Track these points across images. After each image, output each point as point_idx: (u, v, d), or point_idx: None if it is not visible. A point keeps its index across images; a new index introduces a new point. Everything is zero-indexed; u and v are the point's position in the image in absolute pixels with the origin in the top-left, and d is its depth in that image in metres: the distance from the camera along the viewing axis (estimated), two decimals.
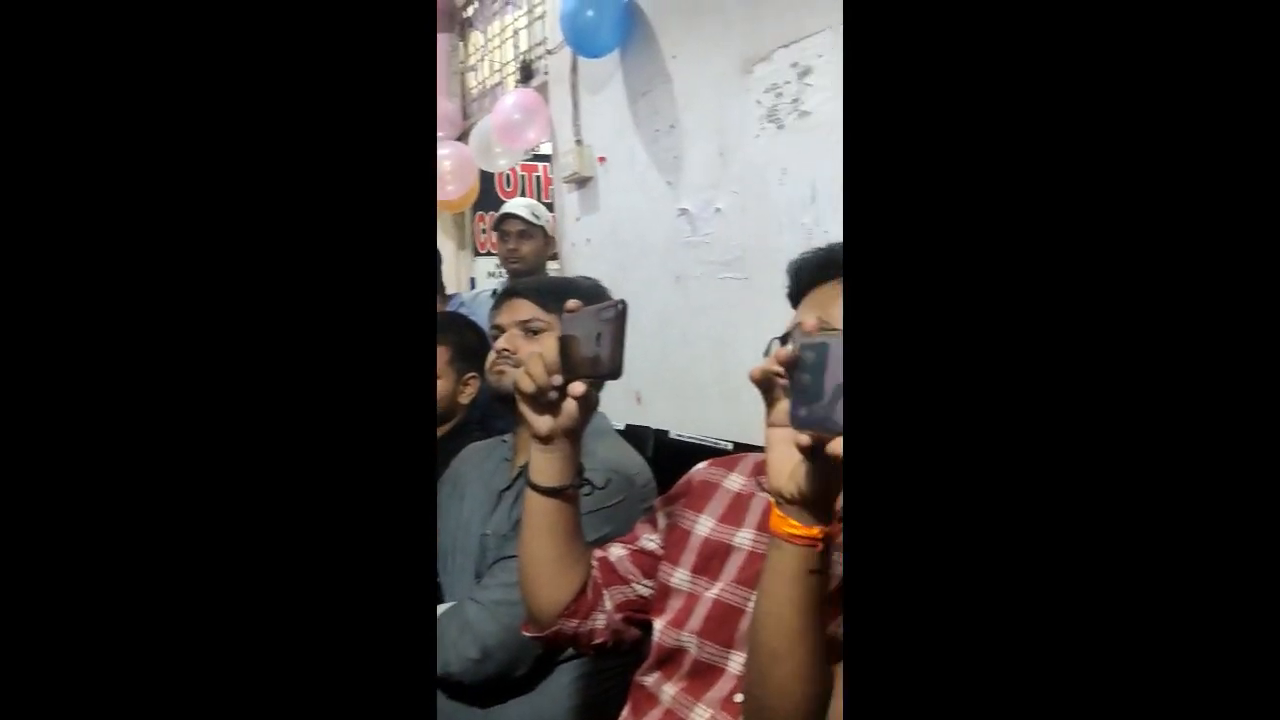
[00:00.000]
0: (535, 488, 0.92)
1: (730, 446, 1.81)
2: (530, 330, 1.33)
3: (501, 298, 1.41)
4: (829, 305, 0.84)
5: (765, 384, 0.69)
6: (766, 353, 0.71)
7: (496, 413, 1.79)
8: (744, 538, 0.93)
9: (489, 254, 3.37)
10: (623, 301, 0.81)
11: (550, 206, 2.82)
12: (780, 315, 0.88)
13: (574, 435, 0.91)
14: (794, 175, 1.70)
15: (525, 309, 1.34)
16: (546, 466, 0.92)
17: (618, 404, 2.28)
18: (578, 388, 0.85)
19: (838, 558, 0.87)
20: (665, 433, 2.10)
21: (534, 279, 1.85)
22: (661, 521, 1.03)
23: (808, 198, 1.68)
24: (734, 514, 0.96)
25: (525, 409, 0.89)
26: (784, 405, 0.69)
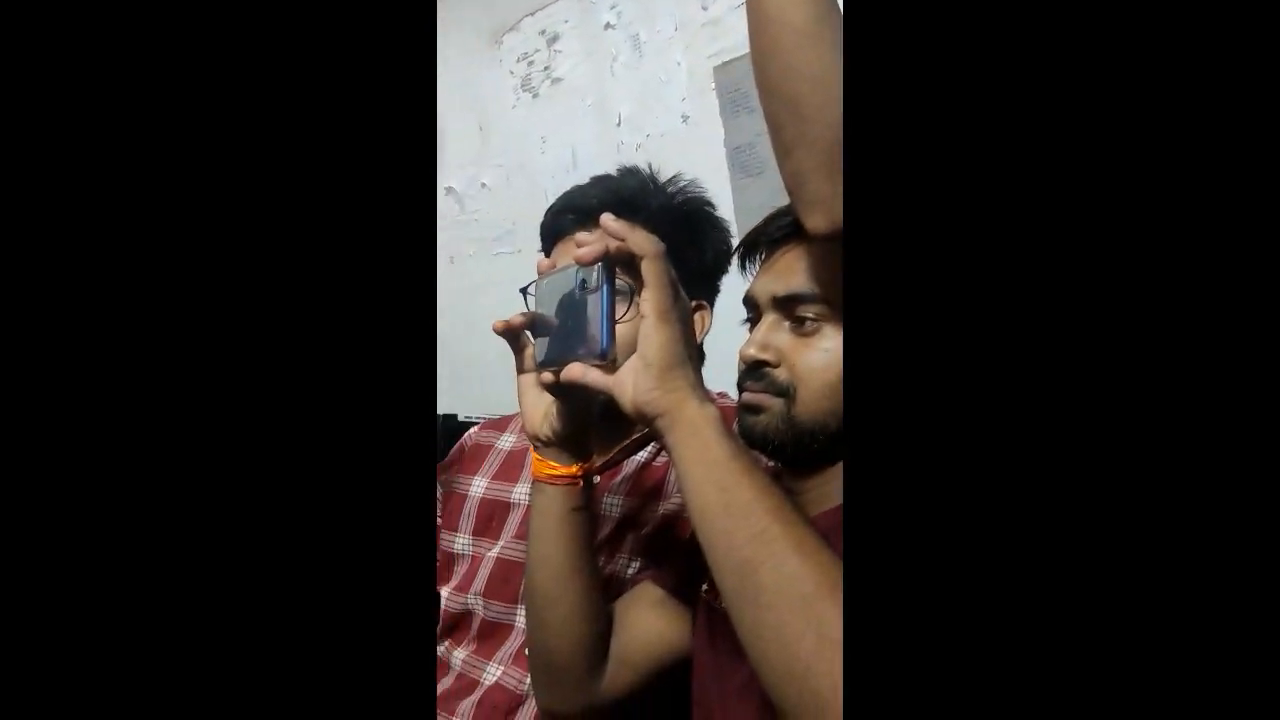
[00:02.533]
0: None
1: None
2: None
3: None
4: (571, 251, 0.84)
5: (508, 334, 0.68)
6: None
7: None
8: (520, 493, 0.93)
9: None
10: None
11: None
12: None
13: None
14: (553, 142, 1.71)
15: None
16: None
17: None
18: None
19: (611, 501, 0.89)
20: (454, 416, 2.06)
21: None
22: (438, 491, 1.01)
23: (569, 163, 1.69)
24: (508, 471, 0.96)
25: None
26: (530, 351, 0.69)
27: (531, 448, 0.71)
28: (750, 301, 0.71)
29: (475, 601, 0.90)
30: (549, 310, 0.65)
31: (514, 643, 0.88)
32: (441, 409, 2.15)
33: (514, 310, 0.69)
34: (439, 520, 0.99)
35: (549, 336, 0.65)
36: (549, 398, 0.67)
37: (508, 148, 1.81)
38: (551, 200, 0.93)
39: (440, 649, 0.93)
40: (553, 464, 0.69)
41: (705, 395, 0.57)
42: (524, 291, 0.71)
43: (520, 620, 0.87)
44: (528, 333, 0.68)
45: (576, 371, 0.59)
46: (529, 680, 0.83)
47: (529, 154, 1.76)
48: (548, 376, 0.64)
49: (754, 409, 0.67)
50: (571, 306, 0.61)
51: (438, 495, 1.01)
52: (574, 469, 0.69)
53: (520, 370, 0.70)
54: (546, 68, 1.70)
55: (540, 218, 0.93)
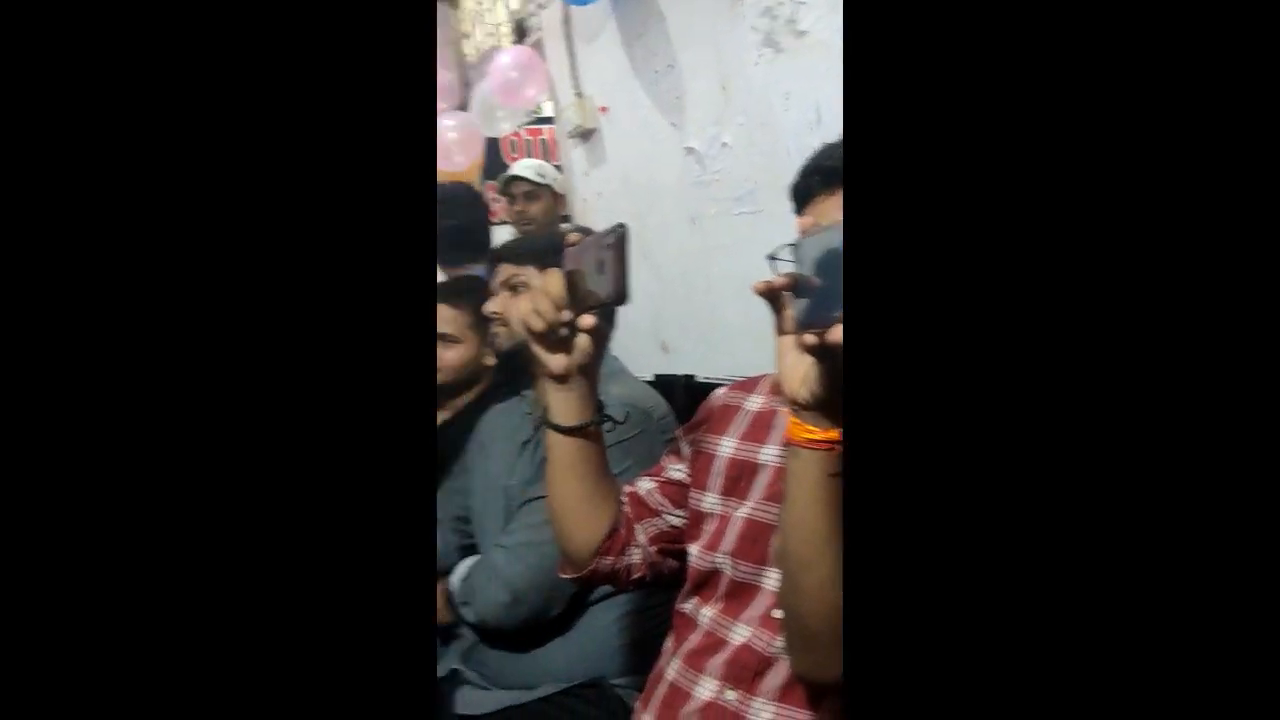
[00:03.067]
0: (556, 428, 0.92)
1: None
2: (512, 288, 1.37)
3: (490, 264, 1.46)
4: (828, 212, 0.82)
5: (769, 295, 0.67)
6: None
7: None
8: (769, 454, 0.92)
9: (503, 222, 3.33)
10: (622, 225, 0.80)
11: (559, 168, 2.79)
12: None
13: (589, 371, 0.90)
14: (797, 99, 1.67)
15: (505, 270, 1.39)
16: (565, 405, 0.91)
17: (646, 354, 2.27)
18: (587, 320, 0.84)
19: None
20: (692, 377, 2.09)
21: (513, 240, 1.84)
22: (685, 450, 1.02)
23: (813, 120, 1.64)
24: (756, 432, 0.95)
25: (538, 350, 0.88)
26: (790, 313, 0.67)
27: (789, 411, 0.70)
28: None
29: (724, 561, 0.90)
30: (810, 270, 0.63)
31: (761, 603, 0.87)
32: (679, 370, 2.19)
33: (756, 273, 0.67)
34: (688, 479, 1.00)
35: (810, 297, 0.63)
36: (809, 360, 0.66)
37: (750, 106, 1.79)
38: (794, 159, 0.91)
39: (688, 606, 0.95)
40: (810, 428, 0.68)
41: None
42: (771, 258, 0.69)
43: (768, 582, 0.87)
44: (788, 293, 0.67)
45: (841, 333, 0.57)
46: (778, 642, 0.83)
47: (771, 112, 1.72)
48: (810, 338, 0.62)
49: None
50: (836, 266, 0.59)
51: (684, 454, 1.02)
52: (833, 434, 0.67)
53: (780, 331, 0.69)
54: (790, 21, 1.66)
55: (783, 177, 0.92)
